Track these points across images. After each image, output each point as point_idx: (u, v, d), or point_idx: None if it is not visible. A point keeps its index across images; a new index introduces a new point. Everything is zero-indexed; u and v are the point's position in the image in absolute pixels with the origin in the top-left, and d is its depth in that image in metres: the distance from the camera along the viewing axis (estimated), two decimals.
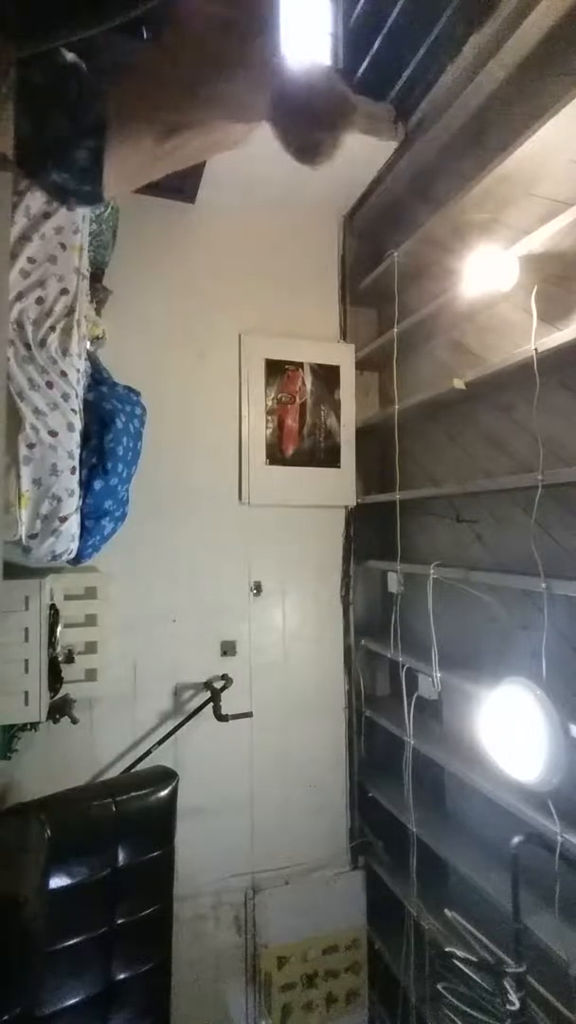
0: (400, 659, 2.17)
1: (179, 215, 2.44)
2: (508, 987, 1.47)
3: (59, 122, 0.83)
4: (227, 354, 2.49)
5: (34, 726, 1.93)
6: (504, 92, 1.90)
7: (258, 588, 2.47)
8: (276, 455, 2.52)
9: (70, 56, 0.86)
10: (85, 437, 1.63)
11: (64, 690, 1.97)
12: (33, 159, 0.86)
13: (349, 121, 0.95)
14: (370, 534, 2.60)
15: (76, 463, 1.54)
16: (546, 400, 1.62)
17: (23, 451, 1.40)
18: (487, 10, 1.71)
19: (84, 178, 0.88)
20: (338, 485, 2.59)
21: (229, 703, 2.25)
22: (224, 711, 2.21)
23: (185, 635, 2.34)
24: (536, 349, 1.56)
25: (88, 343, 1.78)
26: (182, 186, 2.36)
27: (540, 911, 1.55)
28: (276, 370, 2.54)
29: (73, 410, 1.51)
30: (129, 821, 1.68)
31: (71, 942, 1.54)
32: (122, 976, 1.63)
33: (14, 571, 1.74)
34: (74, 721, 1.99)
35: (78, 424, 1.54)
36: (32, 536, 1.48)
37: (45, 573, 1.86)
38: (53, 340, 1.45)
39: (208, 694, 2.27)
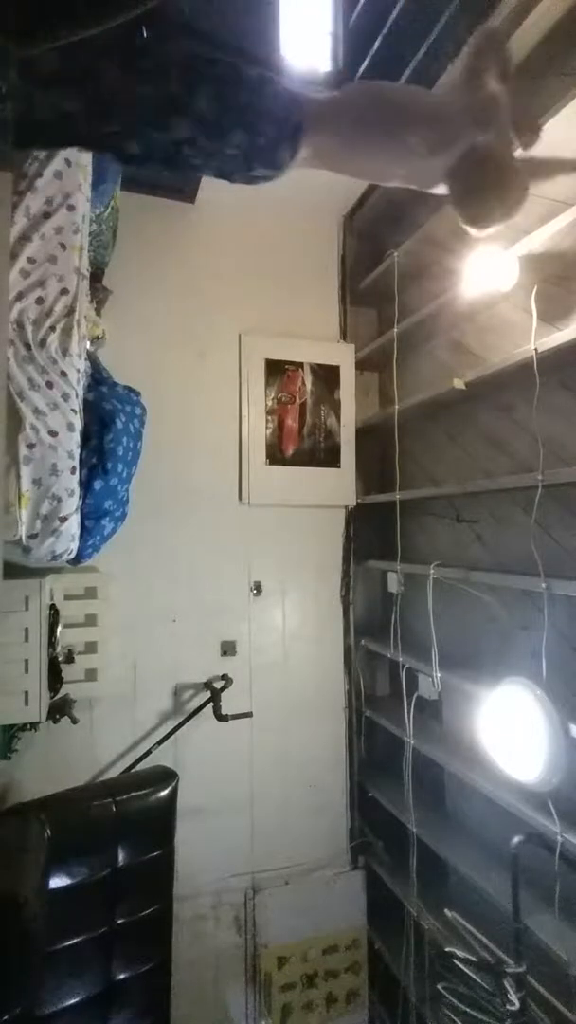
0: (400, 659, 2.17)
1: (179, 215, 2.44)
2: (508, 987, 1.46)
3: (267, 132, 1.01)
4: (227, 354, 2.49)
5: (34, 726, 1.93)
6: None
7: (258, 588, 2.47)
8: (276, 455, 2.52)
9: (255, 70, 1.02)
10: (85, 437, 1.63)
11: (64, 690, 1.97)
12: (243, 165, 1.05)
13: (519, 206, 1.16)
14: (370, 534, 2.59)
15: (76, 463, 1.54)
16: (546, 400, 1.62)
17: (23, 451, 1.40)
18: (487, 10, 1.71)
19: (281, 169, 1.09)
20: (338, 485, 2.59)
21: (229, 703, 2.25)
22: (224, 711, 2.21)
23: (185, 635, 2.33)
24: (536, 349, 1.56)
25: (88, 343, 1.79)
26: (182, 186, 2.36)
27: (540, 911, 1.55)
28: (276, 370, 2.54)
29: (73, 410, 1.51)
30: (129, 821, 1.68)
31: (71, 942, 1.54)
32: (122, 976, 1.63)
33: (14, 571, 1.74)
34: (74, 721, 1.99)
35: (78, 424, 1.54)
36: (32, 536, 1.48)
37: (45, 573, 1.86)
38: (53, 340, 1.45)
39: (208, 694, 2.27)
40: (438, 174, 1.16)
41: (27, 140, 0.98)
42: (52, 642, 1.87)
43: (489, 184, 1.14)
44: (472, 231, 1.22)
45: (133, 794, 1.74)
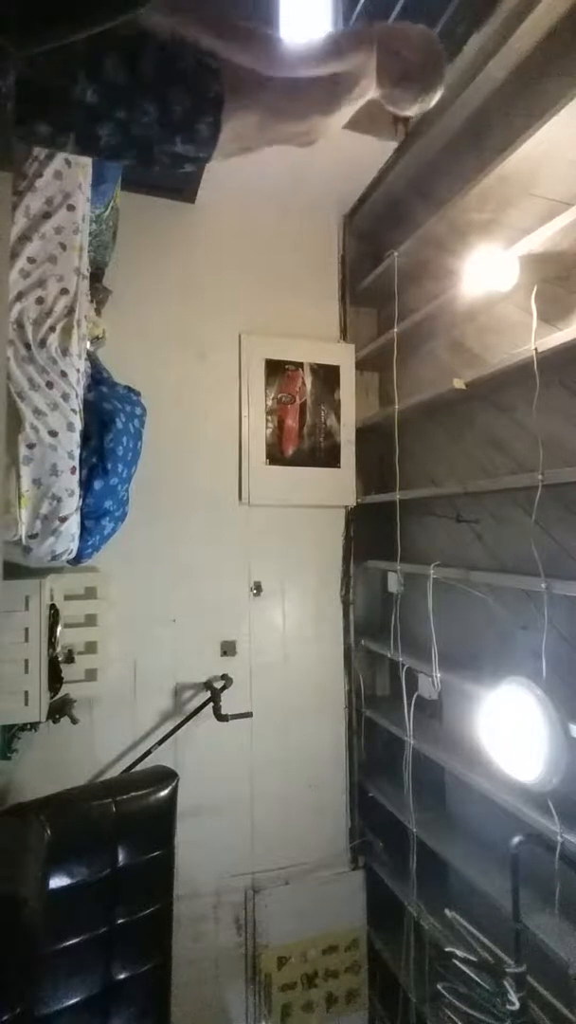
0: (400, 659, 2.17)
1: (179, 215, 2.44)
2: (508, 987, 1.46)
3: (183, 98, 0.94)
4: (227, 354, 2.49)
5: (34, 726, 1.93)
6: (504, 92, 1.90)
7: (258, 588, 2.47)
8: (276, 455, 2.52)
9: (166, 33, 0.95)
10: (85, 437, 1.63)
11: (64, 690, 1.97)
12: (160, 136, 0.97)
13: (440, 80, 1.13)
14: (370, 534, 2.59)
15: (76, 463, 1.54)
16: (546, 400, 1.62)
17: (23, 451, 1.40)
18: (487, 10, 1.71)
19: (204, 147, 1.01)
20: (338, 485, 2.59)
21: (229, 703, 2.25)
22: (224, 711, 2.21)
23: (185, 635, 2.34)
24: (536, 349, 1.56)
25: (88, 343, 1.79)
26: (182, 186, 2.36)
27: (540, 911, 1.55)
28: (276, 370, 2.54)
29: (73, 410, 1.50)
30: (129, 821, 1.68)
31: (71, 942, 1.54)
32: (122, 976, 1.63)
33: (14, 571, 1.74)
34: (74, 721, 1.99)
35: (78, 424, 1.54)
36: (32, 536, 1.48)
37: (45, 573, 1.86)
38: (53, 340, 1.45)
39: (208, 694, 2.27)
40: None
41: None
42: (52, 642, 1.87)
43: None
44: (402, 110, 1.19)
45: (133, 794, 1.74)
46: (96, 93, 0.90)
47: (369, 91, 1.11)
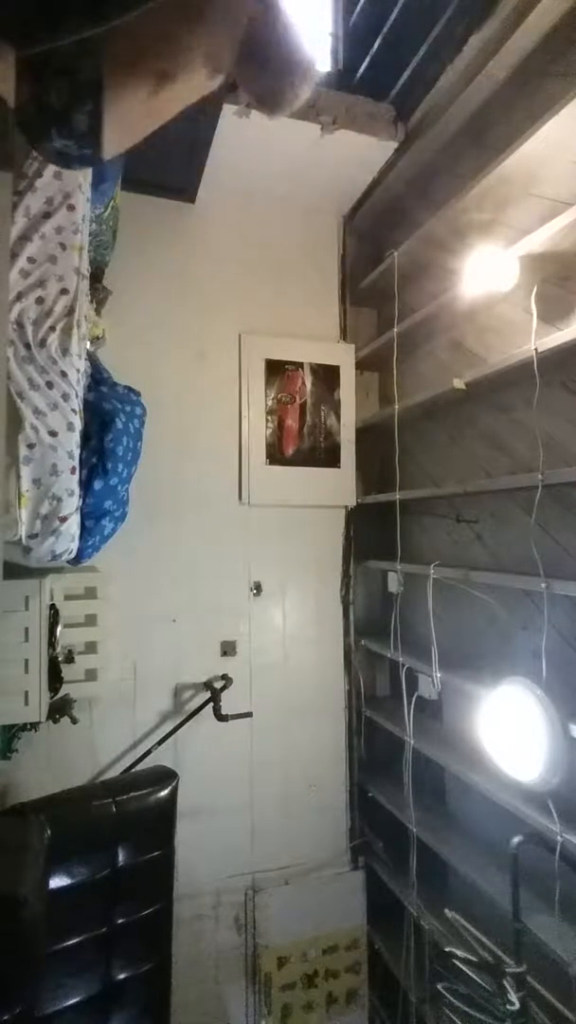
0: (400, 659, 2.17)
1: (179, 215, 2.44)
2: (508, 987, 1.46)
3: (60, 85, 0.82)
4: (227, 354, 2.49)
5: (34, 726, 1.93)
6: (504, 92, 1.90)
7: (258, 588, 2.47)
8: (276, 455, 2.52)
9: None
10: (85, 437, 1.63)
11: (64, 690, 1.97)
12: (37, 127, 0.85)
13: (310, 77, 0.98)
14: (370, 534, 2.59)
15: (76, 463, 1.54)
16: (546, 400, 1.62)
17: (23, 451, 1.40)
18: (487, 10, 1.71)
19: (85, 142, 0.88)
20: (338, 485, 2.59)
21: (229, 703, 2.25)
22: (224, 711, 2.21)
23: (185, 635, 2.34)
24: (536, 349, 1.56)
25: (88, 343, 1.79)
26: (182, 186, 2.36)
27: (540, 911, 1.55)
28: (276, 370, 2.54)
29: (73, 410, 1.50)
30: (129, 821, 1.68)
31: (71, 942, 1.54)
32: (122, 976, 1.63)
33: (14, 571, 1.74)
34: (74, 721, 1.99)
35: (78, 424, 1.54)
36: (32, 536, 1.48)
37: (45, 573, 1.85)
38: (53, 340, 1.45)
39: (208, 694, 2.27)
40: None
41: None
42: (52, 642, 1.87)
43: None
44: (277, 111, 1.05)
45: (133, 794, 1.74)
46: None
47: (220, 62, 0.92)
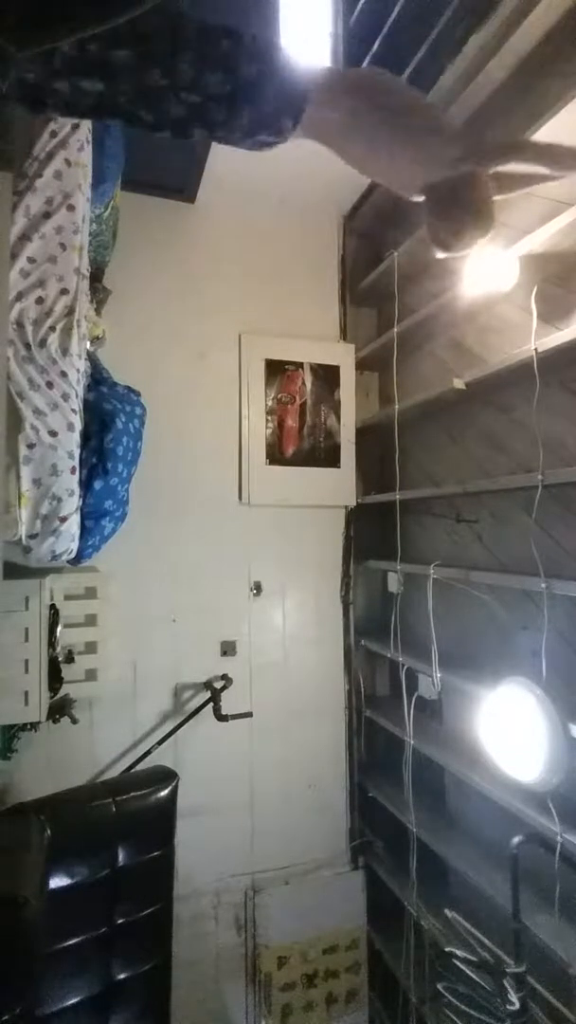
0: (400, 659, 2.17)
1: (179, 215, 2.44)
2: (508, 987, 1.46)
3: (273, 101, 1.02)
4: (227, 354, 2.49)
5: (34, 726, 1.93)
6: (504, 92, 1.90)
7: (258, 588, 2.47)
8: (276, 455, 2.52)
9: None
10: (85, 437, 1.63)
11: (64, 690, 1.97)
12: (249, 132, 1.05)
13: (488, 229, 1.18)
14: (370, 534, 2.59)
15: (76, 463, 1.54)
16: (546, 400, 1.62)
17: (23, 451, 1.40)
18: (487, 10, 1.71)
19: (280, 138, 1.07)
20: (338, 485, 2.59)
21: (229, 703, 2.25)
22: (224, 711, 2.21)
23: (185, 635, 2.34)
24: (536, 349, 1.56)
25: (88, 343, 1.79)
26: (182, 186, 2.36)
27: (540, 911, 1.55)
28: (276, 370, 2.54)
29: (73, 410, 1.50)
30: (129, 821, 1.68)
31: (71, 942, 1.54)
32: (122, 976, 1.63)
33: (14, 571, 1.74)
34: (74, 721, 1.99)
35: (78, 424, 1.54)
36: (32, 536, 1.48)
37: (45, 573, 1.86)
38: (53, 340, 1.45)
39: (208, 694, 2.27)
40: (419, 181, 1.16)
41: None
42: (52, 642, 1.87)
43: (465, 204, 1.15)
44: (438, 251, 1.22)
45: (133, 794, 1.74)
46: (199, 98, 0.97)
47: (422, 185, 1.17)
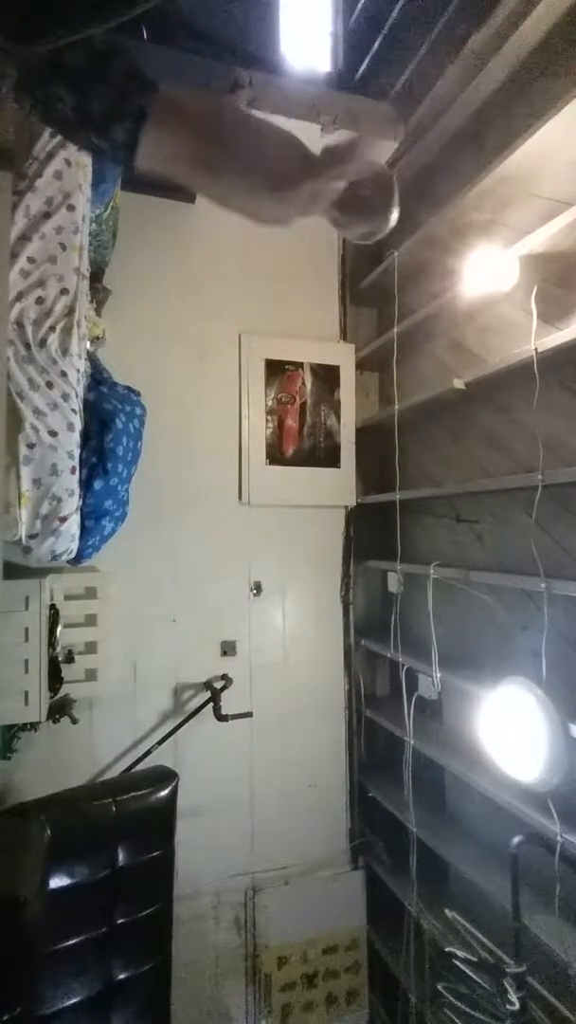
0: (400, 659, 2.17)
1: (179, 215, 2.44)
2: (508, 987, 1.46)
3: (105, 97, 0.92)
4: (227, 354, 2.49)
5: (34, 726, 1.93)
6: (504, 92, 1.90)
7: (258, 588, 2.47)
8: (276, 455, 2.52)
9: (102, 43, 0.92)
10: (85, 437, 1.63)
11: (64, 690, 1.97)
12: (76, 124, 0.94)
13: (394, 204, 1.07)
14: (370, 534, 2.59)
15: (76, 463, 1.54)
16: (546, 400, 1.62)
17: (23, 451, 1.40)
18: (487, 10, 1.71)
19: (119, 150, 0.97)
20: (338, 485, 2.59)
21: (229, 703, 2.25)
22: (224, 711, 2.21)
23: (185, 635, 2.34)
24: (536, 349, 1.56)
25: (88, 343, 1.79)
26: (182, 186, 2.36)
27: (540, 911, 1.55)
28: (276, 370, 2.54)
29: (73, 410, 1.51)
30: (129, 821, 1.68)
31: (71, 942, 1.54)
32: (122, 976, 1.63)
33: (14, 571, 1.74)
34: (74, 721, 1.99)
35: (78, 424, 1.54)
36: (32, 536, 1.48)
37: (45, 573, 1.86)
38: (53, 340, 1.45)
39: (208, 694, 2.27)
40: (292, 212, 1.08)
41: None
42: (52, 642, 1.87)
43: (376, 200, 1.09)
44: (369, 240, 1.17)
45: (133, 794, 1.74)
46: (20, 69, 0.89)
47: (318, 203, 1.04)
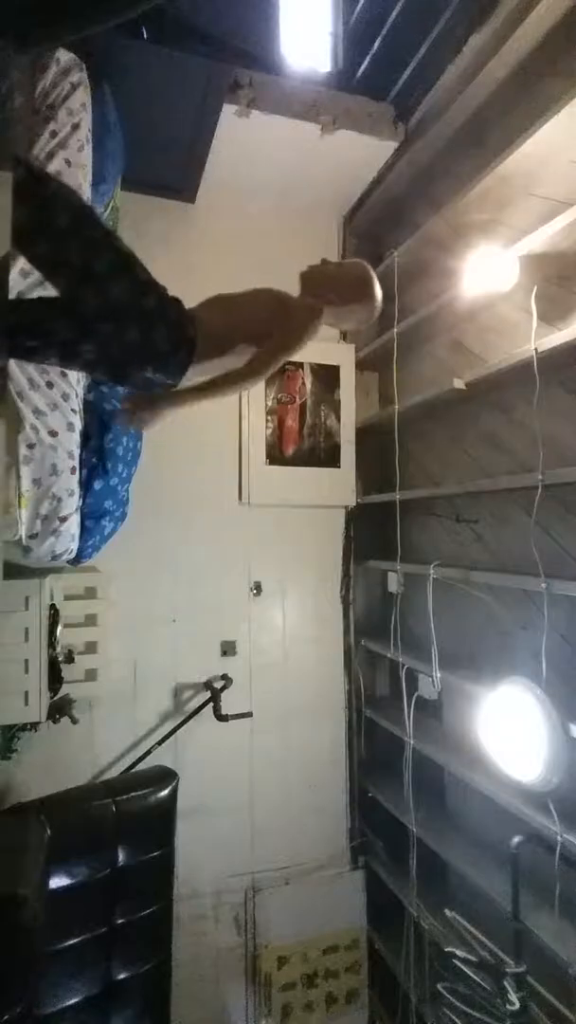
0: (400, 659, 2.17)
1: (179, 215, 2.44)
2: (508, 987, 1.47)
3: (166, 337, 1.07)
4: None
5: (34, 726, 1.93)
6: (504, 92, 1.90)
7: (258, 588, 2.47)
8: (276, 455, 2.52)
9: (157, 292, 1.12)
10: (85, 437, 1.63)
11: (64, 690, 1.97)
12: (137, 363, 1.08)
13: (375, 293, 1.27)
14: (370, 534, 2.59)
15: (76, 463, 1.54)
16: (546, 400, 1.62)
17: (23, 451, 1.40)
18: (487, 10, 1.71)
19: (171, 376, 1.11)
20: (338, 485, 2.59)
21: (229, 703, 2.25)
22: (224, 711, 2.22)
23: (185, 635, 2.34)
24: (536, 349, 1.56)
25: None
26: (182, 186, 2.36)
27: (540, 911, 1.55)
28: (276, 370, 2.54)
29: (73, 410, 1.51)
30: (129, 821, 1.68)
31: (71, 942, 1.54)
32: (122, 976, 1.63)
33: (14, 571, 1.74)
34: (74, 721, 1.99)
35: (78, 424, 1.54)
36: (32, 536, 1.48)
37: (45, 573, 1.85)
38: None
39: (208, 694, 2.27)
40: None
41: None
42: (52, 642, 1.87)
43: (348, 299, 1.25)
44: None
45: (133, 794, 1.74)
46: (93, 308, 1.00)
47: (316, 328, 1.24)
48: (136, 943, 1.66)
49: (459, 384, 1.88)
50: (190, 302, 2.42)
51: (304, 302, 1.22)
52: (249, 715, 2.31)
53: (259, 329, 1.17)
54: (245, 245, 2.55)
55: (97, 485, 1.68)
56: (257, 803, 2.38)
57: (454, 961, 1.64)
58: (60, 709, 1.96)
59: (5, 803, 1.92)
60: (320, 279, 1.25)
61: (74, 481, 1.53)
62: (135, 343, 1.03)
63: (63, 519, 1.51)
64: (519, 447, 1.85)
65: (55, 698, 1.94)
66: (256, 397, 2.50)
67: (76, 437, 1.52)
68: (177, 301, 1.13)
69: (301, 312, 1.19)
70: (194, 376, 1.13)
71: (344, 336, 2.69)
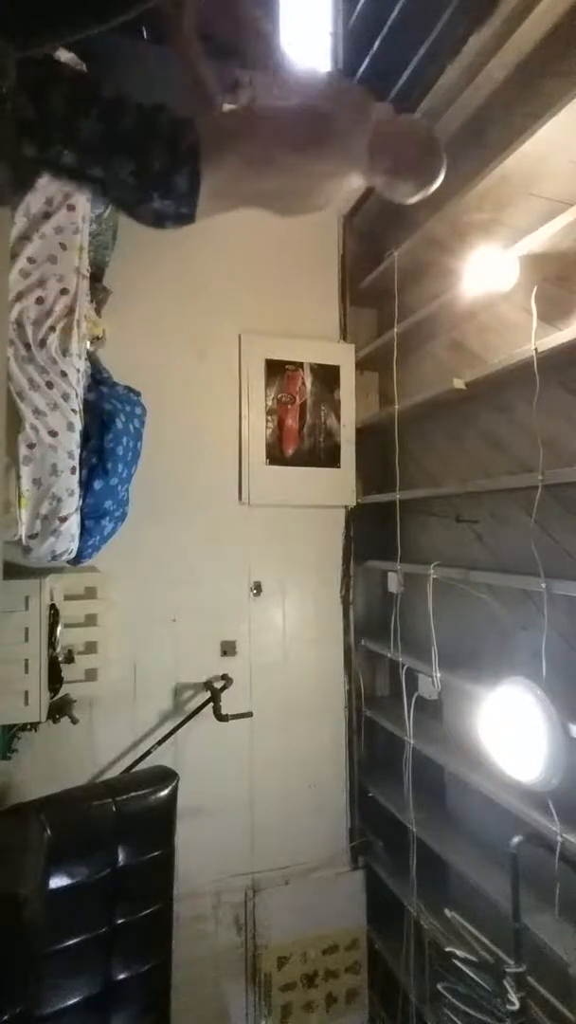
0: (400, 659, 2.17)
1: None
2: (508, 987, 1.47)
3: (161, 155, 0.91)
4: (227, 354, 2.49)
5: (34, 726, 1.93)
6: (504, 92, 1.90)
7: (258, 588, 2.47)
8: (276, 455, 2.52)
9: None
10: (85, 437, 1.63)
11: (64, 690, 1.97)
12: (138, 193, 0.96)
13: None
14: (370, 534, 2.59)
15: (76, 463, 1.54)
16: (546, 400, 1.62)
17: (23, 451, 1.40)
18: (487, 10, 1.71)
19: (183, 202, 0.99)
20: (338, 485, 2.59)
21: (229, 703, 2.25)
22: (224, 711, 2.21)
23: (185, 635, 2.33)
24: (536, 349, 1.56)
25: (88, 343, 1.79)
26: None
27: (540, 911, 1.55)
28: (276, 370, 2.54)
29: (73, 410, 1.51)
30: (129, 821, 1.68)
31: (71, 942, 1.54)
32: (122, 976, 1.63)
33: (14, 571, 1.74)
34: (74, 721, 1.99)
35: (78, 424, 1.54)
36: (32, 536, 1.48)
37: (45, 573, 1.85)
38: (53, 340, 1.45)
39: (208, 694, 2.27)
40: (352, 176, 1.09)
41: None
42: (52, 642, 1.87)
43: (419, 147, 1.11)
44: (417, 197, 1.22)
45: (133, 794, 1.74)
46: (72, 154, 0.89)
47: (357, 166, 1.06)
48: (136, 943, 1.66)
49: (459, 384, 1.88)
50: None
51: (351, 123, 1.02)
52: (249, 715, 2.31)
53: (291, 128, 0.98)
54: (245, 245, 2.54)
55: (97, 485, 1.68)
56: (257, 803, 2.38)
57: (454, 961, 1.64)
58: (60, 709, 1.96)
59: (5, 803, 1.92)
60: (379, 137, 1.05)
61: (74, 481, 1.53)
62: (130, 170, 0.90)
63: (63, 519, 1.51)
64: (519, 447, 1.85)
65: (55, 698, 1.94)
66: (256, 397, 2.50)
67: (76, 437, 1.53)
68: (164, 107, 0.95)
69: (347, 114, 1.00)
70: (215, 196, 1.01)
71: (344, 336, 2.69)
